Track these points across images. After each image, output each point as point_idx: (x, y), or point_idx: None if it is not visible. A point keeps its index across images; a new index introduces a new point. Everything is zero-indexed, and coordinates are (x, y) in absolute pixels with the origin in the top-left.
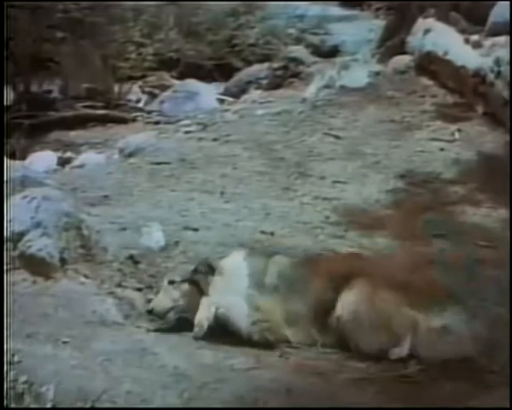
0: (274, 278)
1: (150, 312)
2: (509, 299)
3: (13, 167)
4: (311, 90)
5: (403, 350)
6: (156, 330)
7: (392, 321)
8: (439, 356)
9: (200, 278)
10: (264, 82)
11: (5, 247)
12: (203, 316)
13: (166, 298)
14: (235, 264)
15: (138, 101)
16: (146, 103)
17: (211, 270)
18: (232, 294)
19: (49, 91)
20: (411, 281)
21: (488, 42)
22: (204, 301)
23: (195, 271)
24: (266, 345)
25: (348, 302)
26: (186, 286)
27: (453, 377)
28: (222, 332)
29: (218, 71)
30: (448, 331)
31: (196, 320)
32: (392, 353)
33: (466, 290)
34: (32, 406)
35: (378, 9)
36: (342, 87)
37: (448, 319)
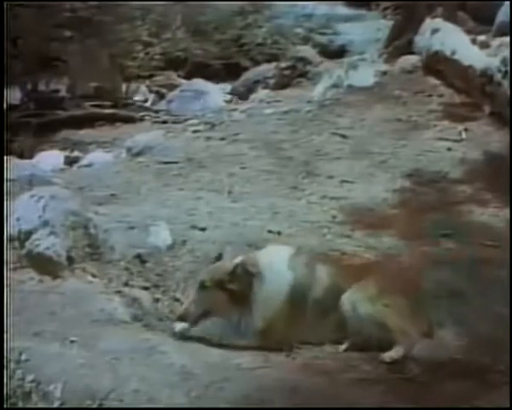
0: (318, 293)
1: (181, 318)
2: None
3: (21, 166)
4: (318, 90)
5: (396, 354)
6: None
7: (389, 325)
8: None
9: (236, 286)
10: (272, 81)
11: (11, 245)
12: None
13: (198, 304)
14: (278, 271)
15: (146, 100)
16: (153, 103)
17: (249, 275)
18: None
19: (57, 90)
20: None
21: (495, 42)
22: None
23: (232, 274)
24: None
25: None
26: (219, 294)
27: (459, 377)
28: None
29: (226, 70)
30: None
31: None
32: (385, 356)
33: (471, 290)
34: (40, 404)
35: (385, 9)
36: (349, 87)
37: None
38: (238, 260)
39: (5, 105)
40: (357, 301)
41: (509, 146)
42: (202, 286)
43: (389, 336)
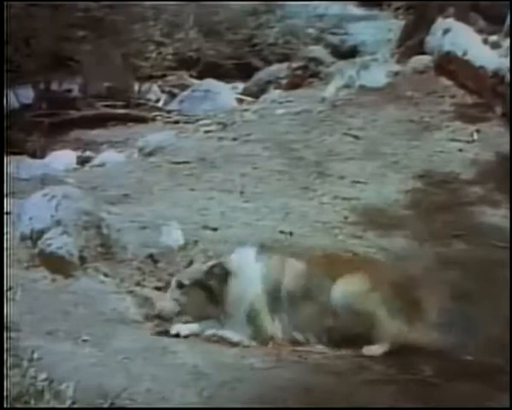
0: (291, 285)
1: (157, 316)
2: None
3: (33, 166)
4: (330, 90)
5: (378, 350)
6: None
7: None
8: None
9: (213, 283)
10: (284, 82)
11: (24, 244)
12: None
13: (174, 302)
14: (248, 266)
15: (158, 100)
16: (166, 103)
17: (226, 274)
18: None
19: (70, 90)
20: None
21: (507, 42)
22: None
23: (209, 273)
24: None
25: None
26: (197, 291)
27: (470, 379)
28: None
29: (238, 70)
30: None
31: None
32: (366, 350)
33: (482, 291)
34: (52, 403)
35: (397, 9)
36: (361, 87)
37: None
38: (211, 262)
39: (5, 105)
40: (349, 293)
41: (509, 146)
42: (180, 285)
43: (375, 330)
